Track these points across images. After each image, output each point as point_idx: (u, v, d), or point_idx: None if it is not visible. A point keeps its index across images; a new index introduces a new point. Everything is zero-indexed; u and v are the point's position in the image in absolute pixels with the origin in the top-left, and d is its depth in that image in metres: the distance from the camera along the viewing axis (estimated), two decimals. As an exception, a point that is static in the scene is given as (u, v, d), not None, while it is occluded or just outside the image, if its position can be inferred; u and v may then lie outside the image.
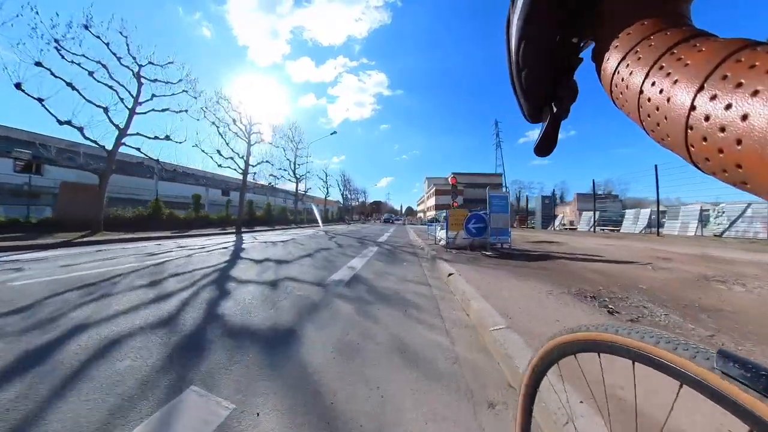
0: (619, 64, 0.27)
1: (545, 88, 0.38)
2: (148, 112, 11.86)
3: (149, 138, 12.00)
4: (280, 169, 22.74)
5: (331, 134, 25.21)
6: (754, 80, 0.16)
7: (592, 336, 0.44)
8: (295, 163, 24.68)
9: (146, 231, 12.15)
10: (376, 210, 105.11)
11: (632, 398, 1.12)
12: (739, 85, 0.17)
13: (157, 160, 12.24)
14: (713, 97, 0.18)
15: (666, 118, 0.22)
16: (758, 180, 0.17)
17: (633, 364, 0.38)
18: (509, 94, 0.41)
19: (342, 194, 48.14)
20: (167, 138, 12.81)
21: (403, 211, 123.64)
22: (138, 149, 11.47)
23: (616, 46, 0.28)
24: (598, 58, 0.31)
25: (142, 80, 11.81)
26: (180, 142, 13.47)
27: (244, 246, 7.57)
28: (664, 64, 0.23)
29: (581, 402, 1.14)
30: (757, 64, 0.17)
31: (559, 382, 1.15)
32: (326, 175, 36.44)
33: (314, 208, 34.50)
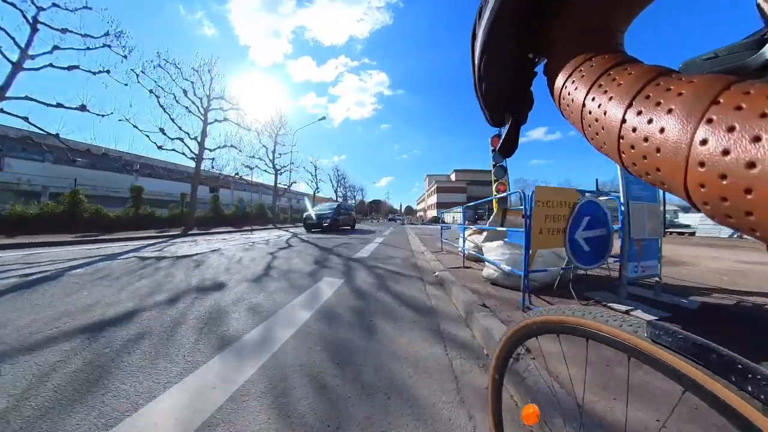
0: (566, 80, 0.30)
1: (504, 97, 0.41)
2: (43, 68, 8.54)
3: (48, 105, 8.70)
4: (253, 157, 18.86)
5: (320, 120, 21.85)
6: (669, 101, 0.20)
7: (548, 318, 0.48)
8: (274, 152, 20.63)
9: (57, 233, 8.94)
10: (375, 209, 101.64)
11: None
12: (658, 104, 0.21)
13: (57, 135, 8.91)
14: (639, 113, 0.22)
15: (603, 129, 0.25)
16: (672, 181, 0.20)
17: (587, 341, 0.43)
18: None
19: (335, 191, 44.18)
20: (82, 108, 9.51)
21: (403, 210, 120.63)
22: (25, 119, 8.13)
23: (564, 65, 0.31)
24: (549, 74, 0.34)
25: (39, 27, 8.52)
26: (103, 115, 10.19)
27: (69, 274, 4.14)
28: (602, 83, 0.26)
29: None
30: (671, 87, 0.21)
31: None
32: (315, 168, 31.66)
33: (308, 204, 31.00)
